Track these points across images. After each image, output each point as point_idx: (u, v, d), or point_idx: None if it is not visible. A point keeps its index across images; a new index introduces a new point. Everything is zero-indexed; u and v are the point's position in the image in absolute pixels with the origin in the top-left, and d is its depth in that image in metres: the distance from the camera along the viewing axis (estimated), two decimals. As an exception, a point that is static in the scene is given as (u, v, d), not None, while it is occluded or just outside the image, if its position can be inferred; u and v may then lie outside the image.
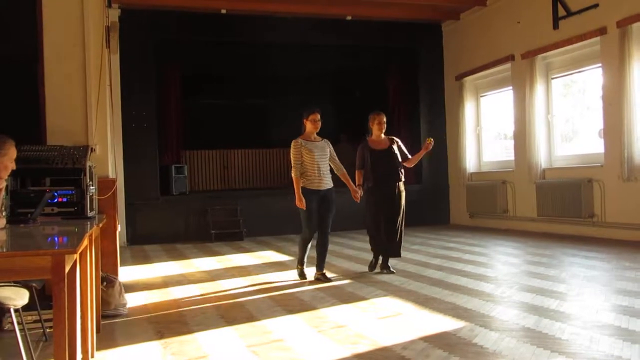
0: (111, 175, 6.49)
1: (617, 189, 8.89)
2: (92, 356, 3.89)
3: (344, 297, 5.72)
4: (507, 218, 11.31)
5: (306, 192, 6.50)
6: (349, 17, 12.31)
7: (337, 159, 6.83)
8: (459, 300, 5.37)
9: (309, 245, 6.77)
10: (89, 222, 4.20)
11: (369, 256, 8.43)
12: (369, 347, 4.02)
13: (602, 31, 9.07)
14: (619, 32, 8.69)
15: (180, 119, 12.86)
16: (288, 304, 5.50)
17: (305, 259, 6.84)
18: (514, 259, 8.01)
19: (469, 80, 12.47)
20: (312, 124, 6.67)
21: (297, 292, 6.07)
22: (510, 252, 8.57)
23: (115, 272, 6.02)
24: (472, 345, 3.97)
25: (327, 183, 6.63)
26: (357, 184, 6.93)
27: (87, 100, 6.00)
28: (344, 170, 6.88)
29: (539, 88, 10.45)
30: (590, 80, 10.12)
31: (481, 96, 12.57)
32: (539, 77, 10.46)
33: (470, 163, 12.46)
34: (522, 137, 10.73)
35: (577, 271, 6.66)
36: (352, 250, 9.19)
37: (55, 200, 4.70)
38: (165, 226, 11.41)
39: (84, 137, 5.91)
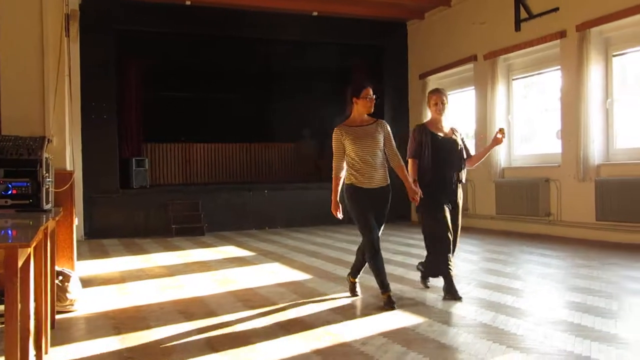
0: (69, 167, 6.35)
1: (573, 188, 9.10)
2: (46, 352, 3.80)
3: (304, 293, 5.72)
4: (467, 216, 11.45)
5: (354, 190, 5.19)
6: (315, 13, 12.30)
7: (393, 145, 5.28)
8: (419, 296, 5.43)
9: (379, 256, 5.17)
10: (44, 215, 4.10)
11: (331, 252, 8.49)
12: (328, 343, 4.03)
13: (562, 34, 9.26)
14: (578, 35, 8.89)
15: (142, 111, 12.67)
16: (249, 299, 5.48)
17: (383, 277, 5.14)
18: (473, 256, 8.13)
19: (432, 79, 12.60)
20: (364, 103, 5.17)
21: (258, 287, 6.05)
22: (470, 249, 8.70)
23: (72, 267, 5.90)
24: (430, 341, 4.02)
25: (380, 179, 5.23)
26: (412, 179, 5.41)
27: (44, 90, 5.83)
28: (402, 161, 5.32)
29: (500, 88, 10.63)
30: (549, 82, 10.34)
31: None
32: (500, 78, 10.63)
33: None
34: (482, 136, 10.88)
35: (533, 268, 6.80)
36: (314, 246, 9.20)
37: (9, 192, 4.57)
38: (124, 220, 11.22)
39: (41, 127, 5.75)
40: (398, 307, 4.96)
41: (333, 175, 5.24)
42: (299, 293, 5.70)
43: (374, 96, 5.21)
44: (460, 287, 5.81)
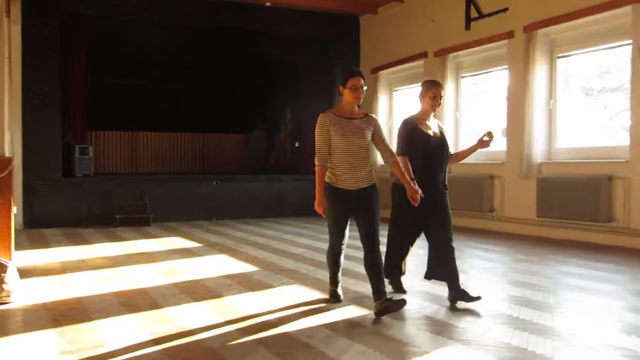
0: (8, 153, 6.12)
1: (516, 185, 9.34)
2: (-21, 344, 3.66)
3: (251, 285, 5.69)
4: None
5: (332, 191, 4.71)
6: (268, 4, 12.20)
7: (386, 141, 4.79)
8: (364, 289, 5.46)
9: (341, 259, 5.06)
10: (-20, 202, 3.94)
11: (279, 244, 8.46)
12: (274, 335, 4.02)
13: (510, 35, 9.47)
14: (525, 36, 9.11)
15: (87, 97, 12.32)
16: (194, 291, 5.41)
17: (339, 277, 5.12)
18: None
19: (383, 74, 12.70)
20: (351, 93, 4.64)
21: (204, 279, 5.98)
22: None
23: (9, 257, 5.69)
24: (375, 333, 4.06)
25: (364, 179, 4.70)
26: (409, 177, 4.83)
27: (-18, 72, 5.60)
28: (397, 158, 4.82)
29: (449, 86, 10.79)
30: (497, 81, 10.56)
31: (395, 90, 12.83)
32: (449, 75, 10.80)
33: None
34: (431, 132, 11.04)
35: (476, 263, 6.96)
36: (261, 238, 9.16)
37: (-57, 177, 4.37)
38: (66, 209, 10.89)
39: (-22, 111, 5.52)
40: (345, 300, 4.99)
41: (317, 166, 4.69)
42: (245, 285, 5.67)
43: (364, 87, 4.66)
44: (405, 280, 5.88)
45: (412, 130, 5.02)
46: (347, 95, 4.66)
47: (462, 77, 10.92)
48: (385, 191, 5.30)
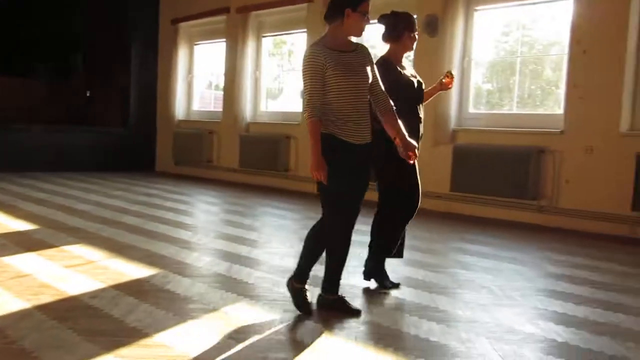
0: None
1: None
2: None
3: (30, 244, 5.24)
4: (211, 167, 11.59)
5: (335, 145, 3.50)
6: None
7: (381, 84, 3.67)
8: (155, 247, 5.35)
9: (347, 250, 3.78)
10: None
11: (63, 200, 7.89)
12: (53, 298, 3.76)
13: (309, -2, 9.68)
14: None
15: None
16: (-41, 252, 4.85)
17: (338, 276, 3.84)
18: (214, 207, 8.29)
19: (184, 26, 12.28)
20: (360, 21, 3.50)
21: (-27, 239, 5.38)
22: (211, 201, 8.84)
23: None
24: (163, 292, 4.00)
25: (368, 131, 3.59)
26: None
27: None
28: (392, 105, 3.67)
29: (250, 44, 10.79)
30: (297, 43, 10.80)
31: (196, 44, 12.50)
32: (250, 33, 10.78)
33: (180, 110, 12.40)
34: (231, 90, 11.01)
35: (269, 220, 7.17)
36: (44, 194, 8.47)
37: None
38: None
39: None
40: (133, 259, 4.83)
41: (310, 118, 3.46)
42: (23, 245, 5.20)
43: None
44: (198, 237, 5.88)
45: (387, 71, 4.02)
46: (354, 22, 3.49)
47: (263, 36, 10.97)
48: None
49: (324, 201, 3.64)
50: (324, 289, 3.81)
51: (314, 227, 3.81)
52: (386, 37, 4.26)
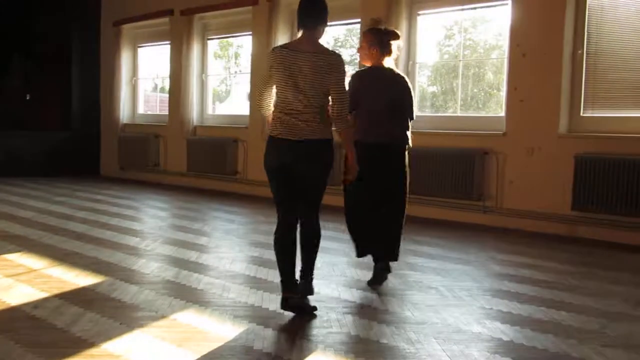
0: None
1: (258, 149, 9.64)
2: None
3: (-34, 254, 5.05)
4: (158, 172, 11.40)
5: (270, 142, 3.82)
6: None
7: (344, 92, 3.76)
8: (101, 254, 5.23)
9: (290, 242, 3.89)
10: None
11: (3, 207, 7.63)
12: (-7, 310, 3.64)
13: (254, 1, 9.63)
14: (269, 5, 9.36)
15: None
16: None
17: (293, 271, 3.82)
18: (162, 212, 8.16)
19: (127, 28, 12.03)
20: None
21: None
22: (159, 205, 8.69)
23: None
24: (110, 300, 3.92)
25: (307, 129, 3.69)
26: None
27: None
28: (347, 114, 3.82)
29: (195, 47, 10.67)
30: (243, 45, 10.75)
31: (139, 46, 12.27)
32: (195, 36, 10.66)
33: (124, 114, 12.15)
34: (177, 93, 10.85)
35: (219, 225, 7.11)
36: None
37: None
38: None
39: None
40: (77, 267, 4.70)
41: (265, 114, 3.95)
42: (-41, 255, 5.01)
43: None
44: (146, 243, 5.79)
45: (357, 80, 4.46)
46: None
47: (208, 38, 10.86)
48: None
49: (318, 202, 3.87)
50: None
51: (275, 232, 3.92)
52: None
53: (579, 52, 6.72)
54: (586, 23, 6.69)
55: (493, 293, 4.38)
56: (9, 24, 12.75)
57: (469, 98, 8.32)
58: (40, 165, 11.82)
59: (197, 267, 4.88)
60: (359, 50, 4.64)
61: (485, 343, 3.34)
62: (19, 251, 5.23)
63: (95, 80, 12.59)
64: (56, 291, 4.06)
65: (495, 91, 8.30)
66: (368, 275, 4.66)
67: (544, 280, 4.77)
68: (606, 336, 3.48)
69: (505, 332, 3.51)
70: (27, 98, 13.07)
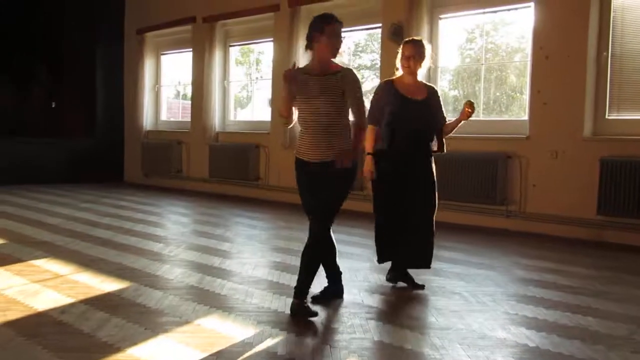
0: None
1: (279, 155, 9.69)
2: None
3: (-5, 260, 5.14)
4: (181, 178, 11.50)
5: (296, 162, 4.07)
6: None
7: (361, 101, 3.95)
8: (125, 260, 5.28)
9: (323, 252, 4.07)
10: None
11: (31, 213, 7.75)
12: (21, 314, 3.69)
13: (275, 8, 9.69)
14: (290, 11, 9.41)
15: None
16: None
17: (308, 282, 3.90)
18: (185, 218, 8.22)
19: (150, 36, 12.19)
20: (328, 43, 3.83)
21: (-64, 255, 5.24)
22: (182, 211, 8.76)
23: None
24: (135, 305, 3.95)
25: (320, 151, 3.87)
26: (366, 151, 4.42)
27: None
28: (364, 122, 4.07)
29: (218, 53, 10.76)
30: (265, 52, 10.81)
31: (162, 54, 12.41)
32: (217, 43, 10.75)
33: (148, 121, 12.29)
34: (199, 99, 10.95)
35: (241, 230, 7.14)
36: (12, 207, 8.30)
37: None
38: None
39: None
40: (103, 273, 4.76)
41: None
42: (-12, 261, 5.10)
43: (341, 35, 3.89)
44: (169, 249, 5.83)
45: (383, 93, 4.51)
46: (324, 45, 3.85)
47: (230, 45, 10.94)
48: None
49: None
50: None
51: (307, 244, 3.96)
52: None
53: (604, 54, 6.64)
54: (611, 25, 6.61)
55: (517, 298, 4.33)
56: (35, 34, 13.00)
57: (491, 102, 8.26)
58: (65, 172, 11.99)
59: (220, 273, 4.90)
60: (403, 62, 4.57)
61: (510, 349, 3.30)
62: (46, 257, 5.30)
63: (119, 87, 12.76)
64: (82, 297, 4.11)
65: (518, 94, 8.23)
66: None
67: (569, 286, 4.71)
68: (635, 342, 3.42)
69: (530, 338, 3.47)
70: (53, 106, 13.29)
